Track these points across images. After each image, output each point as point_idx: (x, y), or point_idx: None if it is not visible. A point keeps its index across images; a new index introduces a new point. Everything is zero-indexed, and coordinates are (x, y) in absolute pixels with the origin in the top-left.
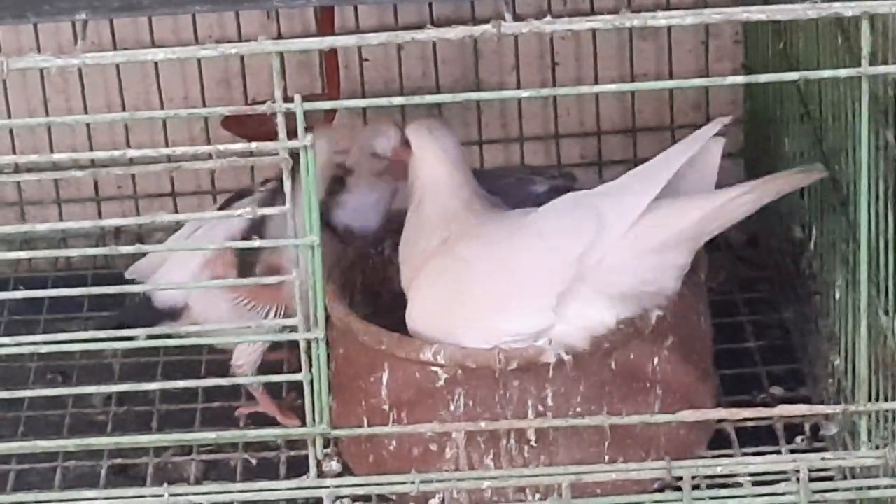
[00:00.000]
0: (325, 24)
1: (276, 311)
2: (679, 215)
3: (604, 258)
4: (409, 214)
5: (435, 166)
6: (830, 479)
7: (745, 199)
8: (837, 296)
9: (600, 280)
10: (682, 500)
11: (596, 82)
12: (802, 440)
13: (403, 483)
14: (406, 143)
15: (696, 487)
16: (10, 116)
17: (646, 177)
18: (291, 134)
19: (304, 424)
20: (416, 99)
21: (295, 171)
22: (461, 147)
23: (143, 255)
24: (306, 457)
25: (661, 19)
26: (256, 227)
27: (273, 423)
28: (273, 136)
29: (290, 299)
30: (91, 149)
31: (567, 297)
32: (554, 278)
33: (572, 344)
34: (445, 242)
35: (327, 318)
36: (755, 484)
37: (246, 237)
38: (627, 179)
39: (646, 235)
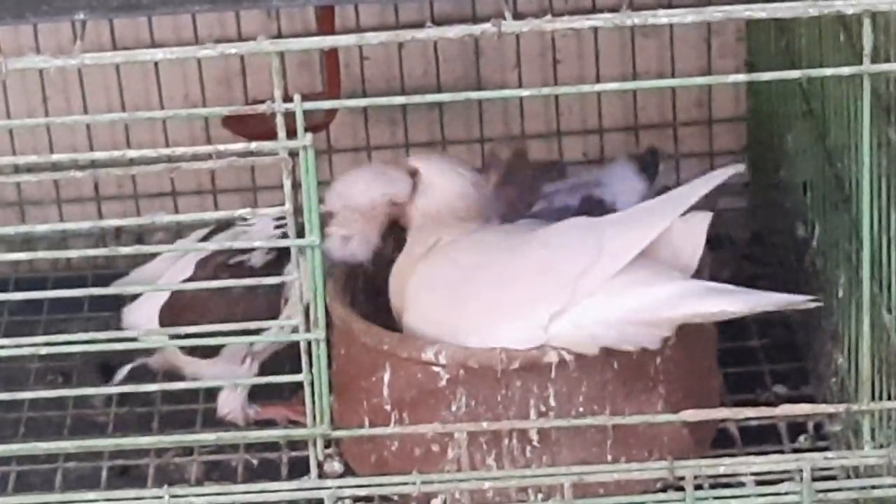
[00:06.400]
0: (326, 23)
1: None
2: (661, 305)
3: (593, 297)
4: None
5: (439, 179)
6: (834, 478)
7: (732, 308)
8: (841, 293)
9: (585, 330)
10: (684, 500)
11: (598, 80)
12: (806, 439)
13: (405, 483)
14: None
15: (698, 487)
16: (9, 117)
17: (652, 213)
18: (291, 133)
19: None
20: (417, 98)
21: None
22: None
23: (143, 255)
24: (308, 457)
25: (663, 17)
26: None
27: (273, 423)
28: (273, 136)
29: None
30: (91, 149)
31: (557, 323)
32: (550, 295)
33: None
34: (435, 247)
35: (328, 318)
36: (758, 483)
37: None
38: (634, 213)
39: (628, 309)
